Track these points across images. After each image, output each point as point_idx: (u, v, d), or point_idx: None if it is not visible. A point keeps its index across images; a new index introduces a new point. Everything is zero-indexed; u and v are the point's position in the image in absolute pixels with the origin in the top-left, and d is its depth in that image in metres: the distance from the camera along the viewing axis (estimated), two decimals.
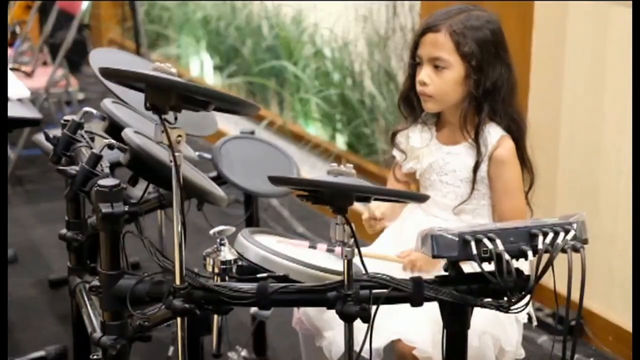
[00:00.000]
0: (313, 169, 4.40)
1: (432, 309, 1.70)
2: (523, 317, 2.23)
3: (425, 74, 2.22)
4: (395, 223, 2.42)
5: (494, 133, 2.24)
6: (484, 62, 2.19)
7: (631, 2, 2.74)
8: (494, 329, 2.14)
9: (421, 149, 2.33)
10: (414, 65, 2.27)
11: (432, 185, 2.32)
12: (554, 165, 3.19)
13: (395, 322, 2.07)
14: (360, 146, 4.31)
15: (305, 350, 2.40)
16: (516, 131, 2.27)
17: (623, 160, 2.95)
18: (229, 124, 4.62)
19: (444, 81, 2.20)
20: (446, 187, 2.29)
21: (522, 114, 2.32)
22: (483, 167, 2.24)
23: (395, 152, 2.41)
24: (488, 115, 2.23)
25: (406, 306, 1.70)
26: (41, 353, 2.91)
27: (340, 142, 4.52)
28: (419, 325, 2.07)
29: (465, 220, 2.28)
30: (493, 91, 2.21)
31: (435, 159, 2.30)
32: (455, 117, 2.27)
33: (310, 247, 2.12)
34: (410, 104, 2.33)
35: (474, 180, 2.25)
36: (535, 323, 2.30)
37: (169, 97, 1.56)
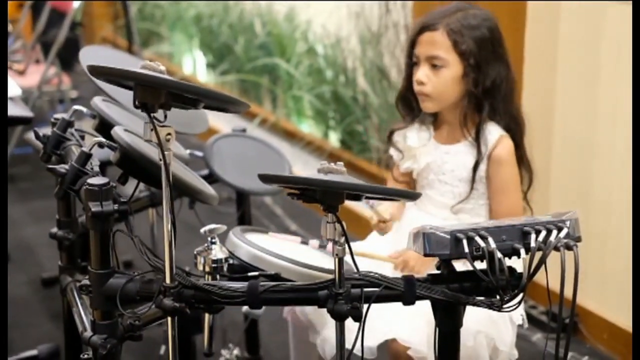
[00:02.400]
0: (306, 167, 4.40)
1: (426, 308, 1.69)
2: (517, 319, 2.22)
3: (422, 73, 2.21)
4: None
5: (493, 132, 2.24)
6: (482, 60, 2.19)
7: (629, 0, 2.74)
8: (489, 328, 2.13)
9: (418, 149, 2.32)
10: (411, 64, 2.26)
11: (429, 185, 2.31)
12: (548, 163, 3.19)
13: (390, 321, 2.07)
14: (353, 143, 4.30)
15: (293, 342, 2.39)
16: (516, 130, 2.27)
17: (616, 158, 2.94)
18: (221, 121, 4.61)
19: (441, 80, 2.19)
20: (444, 186, 2.28)
21: (522, 113, 2.31)
22: (482, 167, 2.24)
23: (392, 151, 2.40)
24: (489, 114, 2.22)
25: (401, 306, 1.69)
26: (33, 352, 2.90)
27: (334, 139, 4.52)
28: (414, 325, 2.07)
29: (464, 220, 2.27)
30: (492, 89, 2.20)
31: (433, 158, 2.30)
32: (454, 116, 2.27)
33: (302, 242, 2.11)
34: (408, 104, 2.33)
35: (473, 180, 2.24)
36: (526, 325, 2.29)
37: (157, 95, 1.54)
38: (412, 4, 3.74)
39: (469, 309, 1.68)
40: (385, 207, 2.25)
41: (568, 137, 3.14)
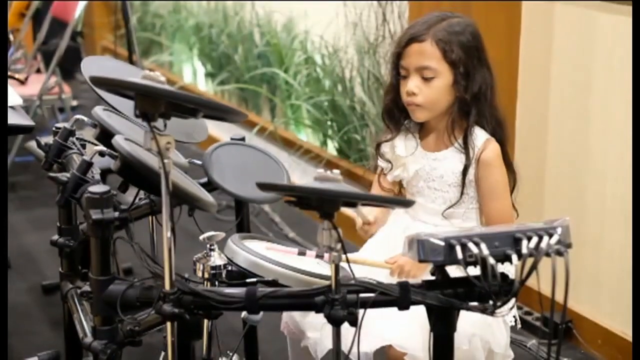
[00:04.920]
0: (304, 175, 4.42)
1: (422, 314, 1.72)
2: (510, 320, 2.25)
3: (413, 84, 2.23)
4: (383, 229, 2.44)
5: (480, 136, 2.27)
6: (470, 67, 2.22)
7: (621, 3, 2.78)
8: (483, 331, 2.16)
9: (407, 157, 2.34)
10: (397, 77, 2.29)
11: (419, 192, 2.34)
12: (542, 170, 3.22)
13: (386, 327, 2.09)
14: (351, 152, 4.32)
15: (292, 354, 2.42)
16: (501, 134, 2.30)
17: (609, 165, 2.97)
18: (220, 130, 4.63)
19: (433, 90, 2.22)
20: (434, 192, 2.31)
21: (505, 117, 2.35)
22: (470, 171, 2.27)
23: (380, 162, 2.42)
24: (476, 119, 2.26)
25: (395, 311, 1.72)
26: (34, 359, 2.92)
27: (331, 147, 4.54)
28: (410, 330, 2.09)
29: (456, 224, 2.30)
30: (479, 94, 2.24)
31: (421, 165, 2.32)
32: (442, 123, 2.29)
33: (299, 253, 2.14)
34: (394, 115, 2.35)
35: (463, 184, 2.27)
36: (519, 326, 2.32)
37: (157, 104, 1.58)
38: (408, 14, 3.77)
39: (464, 313, 1.71)
40: (369, 210, 2.28)
41: (562, 145, 3.17)
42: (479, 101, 2.24)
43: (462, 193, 2.27)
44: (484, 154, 2.26)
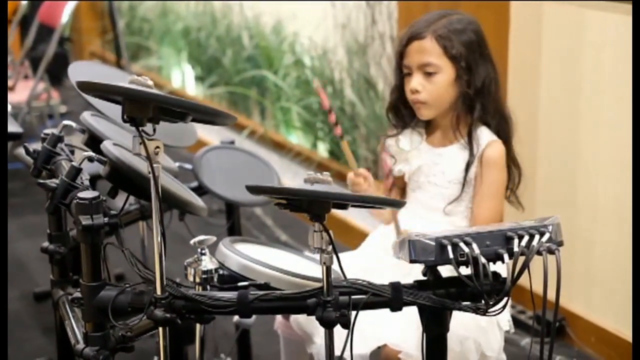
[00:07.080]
0: (295, 177, 4.42)
1: (415, 312, 1.72)
2: (505, 324, 2.25)
3: (416, 81, 2.24)
4: (381, 226, 2.44)
5: (485, 135, 2.28)
6: (471, 62, 2.23)
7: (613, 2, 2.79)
8: (476, 334, 2.16)
9: (410, 152, 2.35)
10: (401, 76, 2.30)
11: (419, 187, 2.35)
12: (533, 168, 3.22)
13: (381, 328, 2.10)
14: (342, 154, 4.32)
15: (285, 353, 2.41)
16: (506, 129, 2.31)
17: (600, 162, 2.98)
18: (210, 134, 4.63)
19: (436, 86, 2.23)
20: (434, 188, 2.31)
21: (509, 112, 2.35)
22: (472, 169, 2.27)
23: (385, 156, 2.43)
24: (480, 114, 2.26)
25: (389, 311, 1.72)
26: None
27: (322, 150, 4.54)
28: (404, 329, 2.09)
29: (456, 223, 2.30)
30: (482, 89, 2.25)
31: (425, 161, 2.33)
32: (447, 119, 2.30)
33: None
34: (399, 114, 2.36)
35: (464, 181, 2.27)
36: (512, 330, 2.32)
37: (145, 109, 1.57)
38: (397, 15, 3.78)
39: (457, 316, 1.71)
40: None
41: (553, 143, 3.17)
42: (483, 96, 2.26)
43: (462, 190, 2.28)
44: (487, 152, 2.26)
